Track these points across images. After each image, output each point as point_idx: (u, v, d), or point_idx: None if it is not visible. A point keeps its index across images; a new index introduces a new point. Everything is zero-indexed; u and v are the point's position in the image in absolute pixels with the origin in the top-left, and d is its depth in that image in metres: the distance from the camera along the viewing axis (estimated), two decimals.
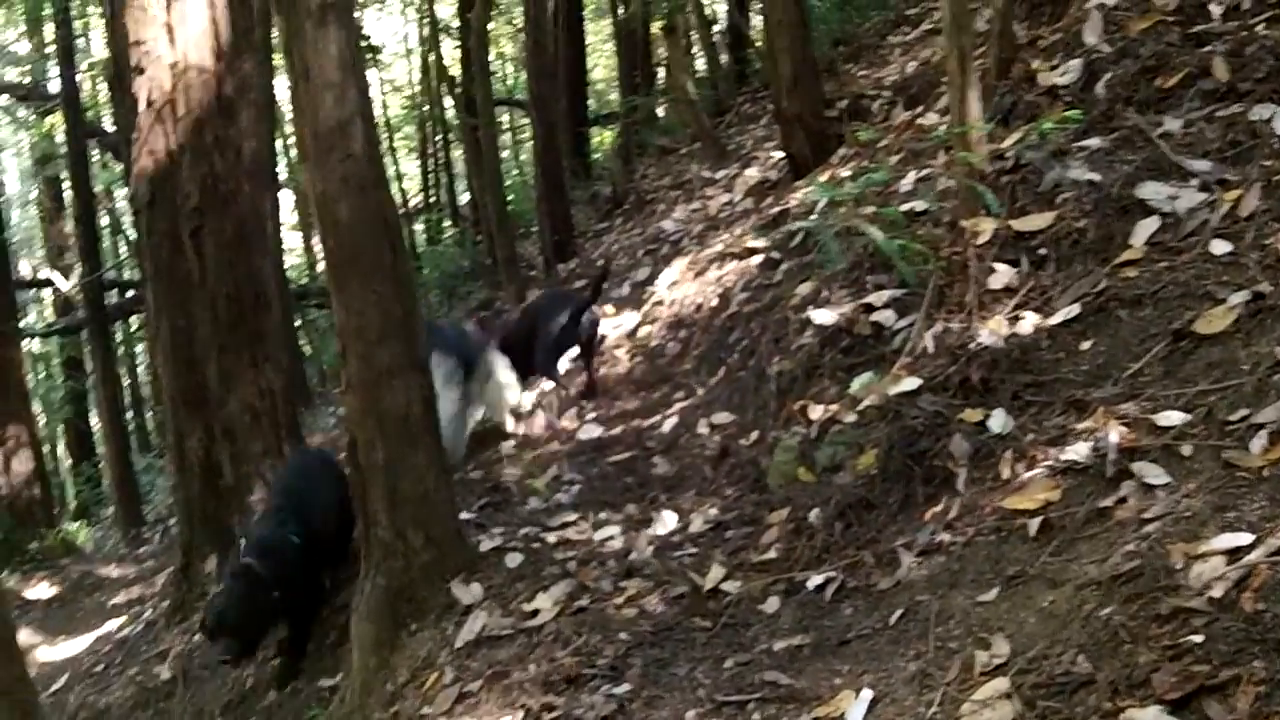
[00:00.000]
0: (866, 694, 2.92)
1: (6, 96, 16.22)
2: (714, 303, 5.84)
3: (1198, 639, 2.41)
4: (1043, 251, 4.01)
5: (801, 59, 6.35)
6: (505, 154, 15.30)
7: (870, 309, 4.40)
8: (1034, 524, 3.07)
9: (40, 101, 15.63)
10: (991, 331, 3.77)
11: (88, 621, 8.70)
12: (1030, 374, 3.59)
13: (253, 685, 5.20)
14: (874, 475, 3.64)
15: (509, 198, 11.53)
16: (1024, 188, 4.28)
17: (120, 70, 6.08)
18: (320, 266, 18.50)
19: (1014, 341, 3.71)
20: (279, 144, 13.84)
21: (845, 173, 5.77)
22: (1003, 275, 3.99)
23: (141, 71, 5.87)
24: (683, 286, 6.30)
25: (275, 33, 6.64)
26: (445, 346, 5.78)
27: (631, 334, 6.38)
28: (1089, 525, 2.97)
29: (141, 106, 5.91)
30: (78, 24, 14.43)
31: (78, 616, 9.05)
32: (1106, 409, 3.24)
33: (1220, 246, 3.55)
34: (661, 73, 14.21)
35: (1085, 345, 3.59)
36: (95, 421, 18.51)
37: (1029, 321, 3.76)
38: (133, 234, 19.29)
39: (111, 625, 7.96)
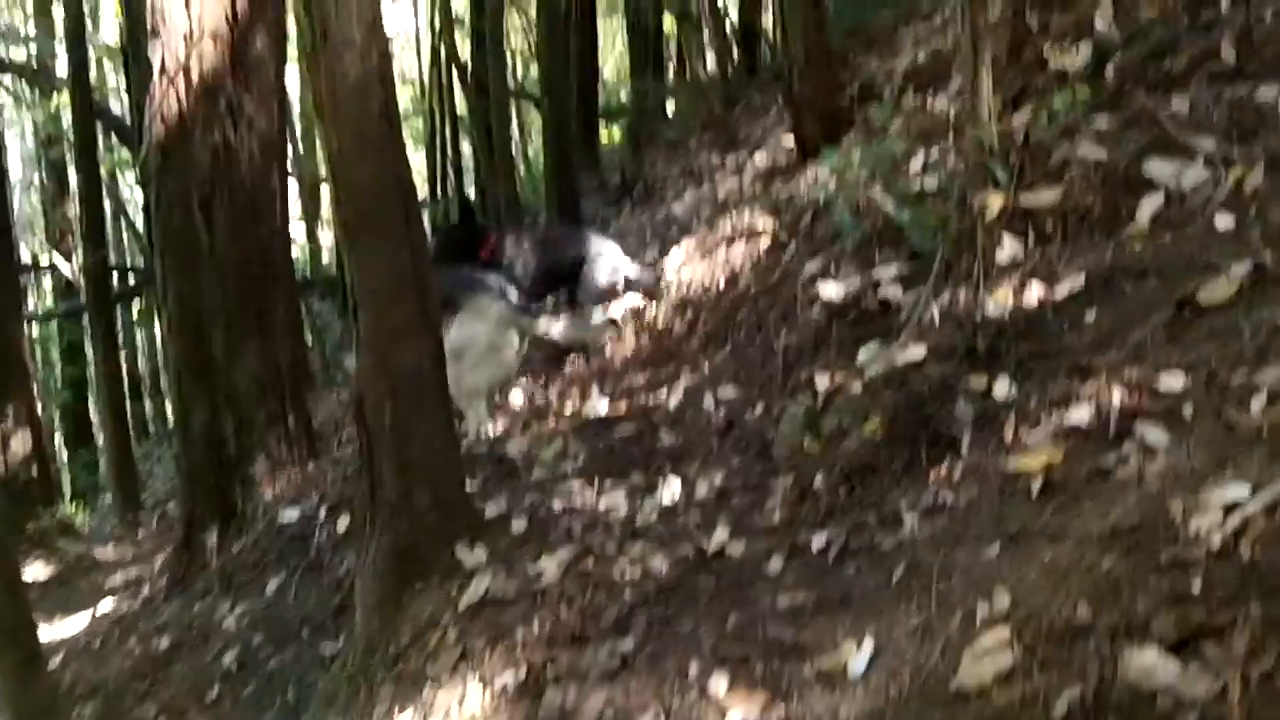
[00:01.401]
0: (868, 646, 2.96)
1: (11, 77, 16.21)
2: (721, 283, 5.88)
3: (1196, 586, 2.45)
4: (1050, 227, 4.05)
5: (814, 42, 6.39)
6: (513, 147, 15.32)
7: (878, 284, 4.43)
8: (1036, 484, 3.10)
9: (47, 83, 15.65)
10: (997, 303, 3.81)
11: (84, 602, 8.70)
12: (1035, 343, 3.63)
13: (255, 651, 5.24)
14: (879, 441, 3.68)
15: (517, 189, 11.56)
16: (1033, 165, 4.31)
17: (134, 38, 6.13)
18: (325, 258, 18.59)
19: (1019, 312, 3.74)
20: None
21: (856, 154, 5.81)
22: (1010, 249, 4.03)
23: (156, 36, 5.93)
24: (690, 267, 6.33)
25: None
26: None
27: (639, 314, 6.41)
28: (1091, 484, 3.00)
29: (156, 72, 5.96)
30: (86, 4, 14.46)
31: (74, 597, 9.04)
32: (1109, 374, 3.27)
33: (1224, 221, 3.58)
34: (671, 66, 14.30)
35: (1090, 316, 3.62)
36: (94, 408, 18.58)
37: (1034, 293, 3.79)
38: (137, 220, 19.49)
39: (109, 605, 7.98)
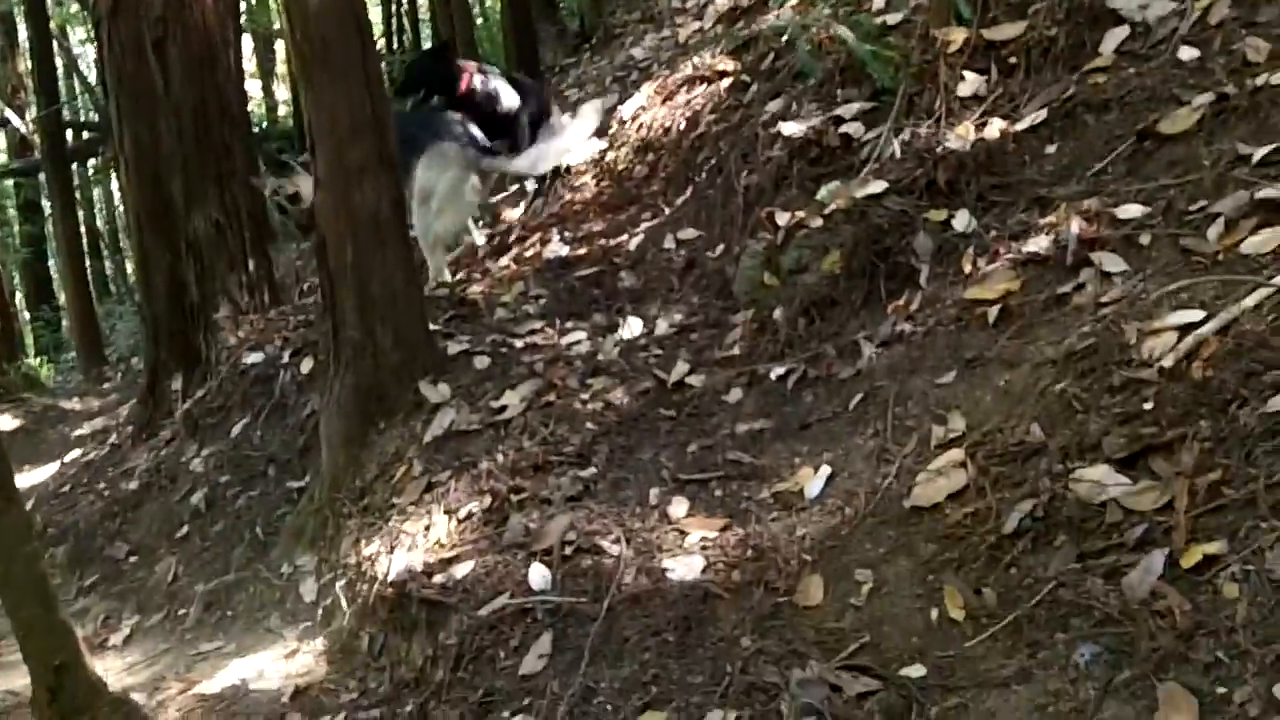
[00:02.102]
0: (825, 469, 3.04)
1: None
2: (682, 125, 5.80)
3: (1147, 405, 2.51)
4: (1013, 60, 4.02)
5: None
6: None
7: (839, 121, 4.40)
8: (993, 312, 3.15)
9: None
10: (959, 136, 3.80)
11: (52, 451, 8.73)
12: (995, 176, 3.64)
13: (222, 490, 5.29)
14: (838, 274, 3.70)
15: (474, 37, 11.30)
16: None
17: None
18: (282, 111, 18.23)
19: (980, 146, 3.73)
20: None
21: None
22: (972, 83, 4.01)
23: None
24: (651, 111, 6.24)
25: None
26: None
27: (599, 159, 6.35)
28: (1047, 311, 3.05)
29: None
30: None
31: (42, 447, 9.08)
32: (1069, 205, 3.29)
33: (1188, 53, 3.56)
34: None
35: (1050, 149, 3.63)
36: (54, 266, 18.34)
37: (996, 127, 3.78)
38: (90, 76, 18.98)
39: (77, 453, 8.01)
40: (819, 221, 3.95)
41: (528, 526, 3.26)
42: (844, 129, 4.38)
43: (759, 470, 3.16)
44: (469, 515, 3.51)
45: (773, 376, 3.53)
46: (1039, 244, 3.23)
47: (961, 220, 3.54)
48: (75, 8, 16.47)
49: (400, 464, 4.03)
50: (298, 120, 14.11)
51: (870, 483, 2.88)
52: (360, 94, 4.08)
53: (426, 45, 15.89)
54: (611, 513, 3.20)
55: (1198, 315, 2.63)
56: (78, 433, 9.66)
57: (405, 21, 16.43)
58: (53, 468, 7.88)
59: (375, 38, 5.49)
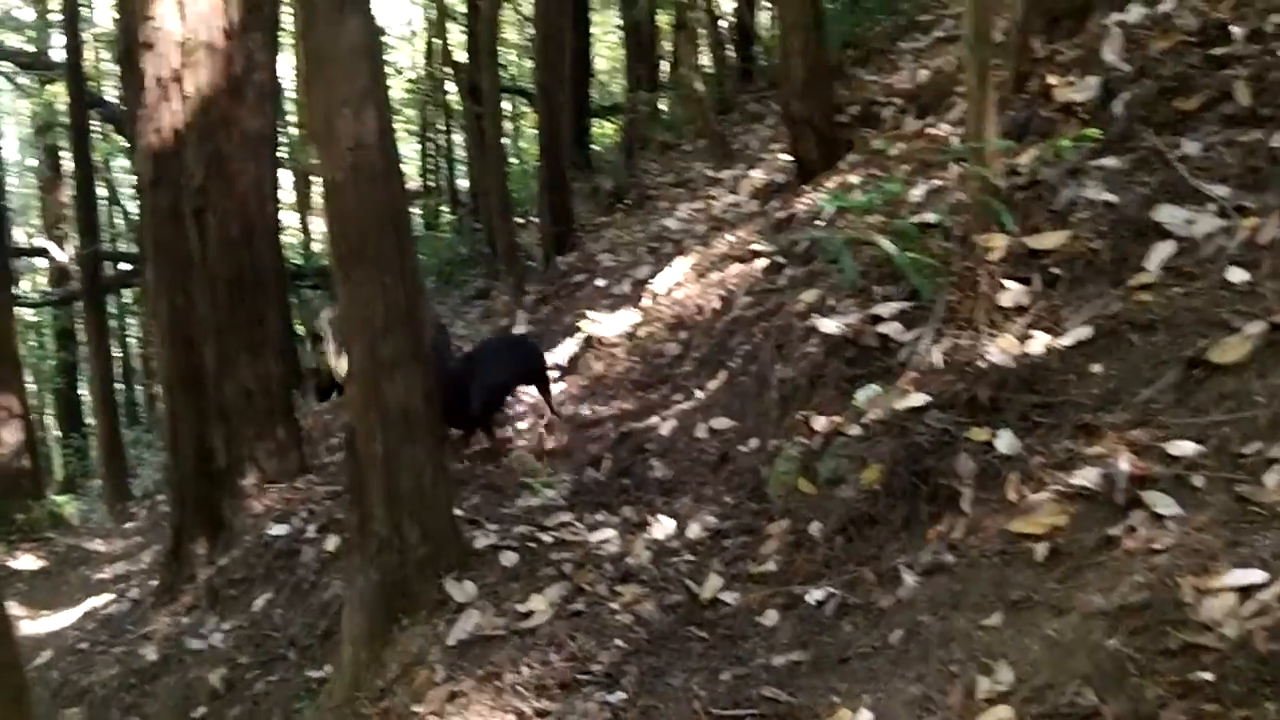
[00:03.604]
0: (866, 715, 2.90)
1: (8, 63, 16.11)
2: (716, 305, 5.81)
3: (1208, 676, 2.39)
4: (1055, 271, 3.98)
5: (814, 62, 6.30)
6: (505, 142, 15.22)
7: (877, 320, 4.35)
8: (1040, 548, 3.04)
9: (43, 70, 15.56)
10: (1001, 349, 3.74)
11: (72, 596, 8.65)
12: (1039, 395, 3.56)
13: (242, 671, 5.17)
14: (877, 490, 3.61)
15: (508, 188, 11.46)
16: (1038, 205, 4.25)
17: (129, 45, 6.02)
18: (316, 246, 18.49)
19: (1023, 361, 3.67)
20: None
21: (854, 179, 5.74)
22: (1014, 293, 3.96)
23: (150, 47, 5.83)
24: (685, 287, 6.26)
25: (283, 10, 6.59)
26: None
27: (630, 333, 6.34)
28: (1097, 553, 2.94)
29: (149, 83, 5.86)
30: None
31: (63, 590, 9.00)
32: (1117, 435, 3.20)
33: (1237, 274, 3.51)
34: (666, 67, 14.20)
35: (1096, 368, 3.55)
36: (85, 393, 18.47)
37: (1039, 341, 3.72)
38: (131, 207, 19.36)
39: (97, 601, 7.91)
40: (857, 430, 3.88)
41: None
42: (881, 328, 4.33)
43: (795, 710, 3.03)
44: None
45: (810, 600, 3.41)
46: (1087, 477, 3.12)
47: (1004, 442, 3.45)
48: (122, 141, 16.86)
49: (422, 667, 3.91)
50: None
51: None
52: (395, 290, 4.07)
53: (461, 185, 16.20)
54: None
55: (1259, 576, 2.51)
56: (99, 576, 9.59)
57: (440, 163, 16.74)
58: (73, 614, 7.79)
59: (413, 229, 5.46)
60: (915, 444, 3.60)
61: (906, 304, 4.35)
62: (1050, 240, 4.05)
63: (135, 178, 19.11)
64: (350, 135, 3.94)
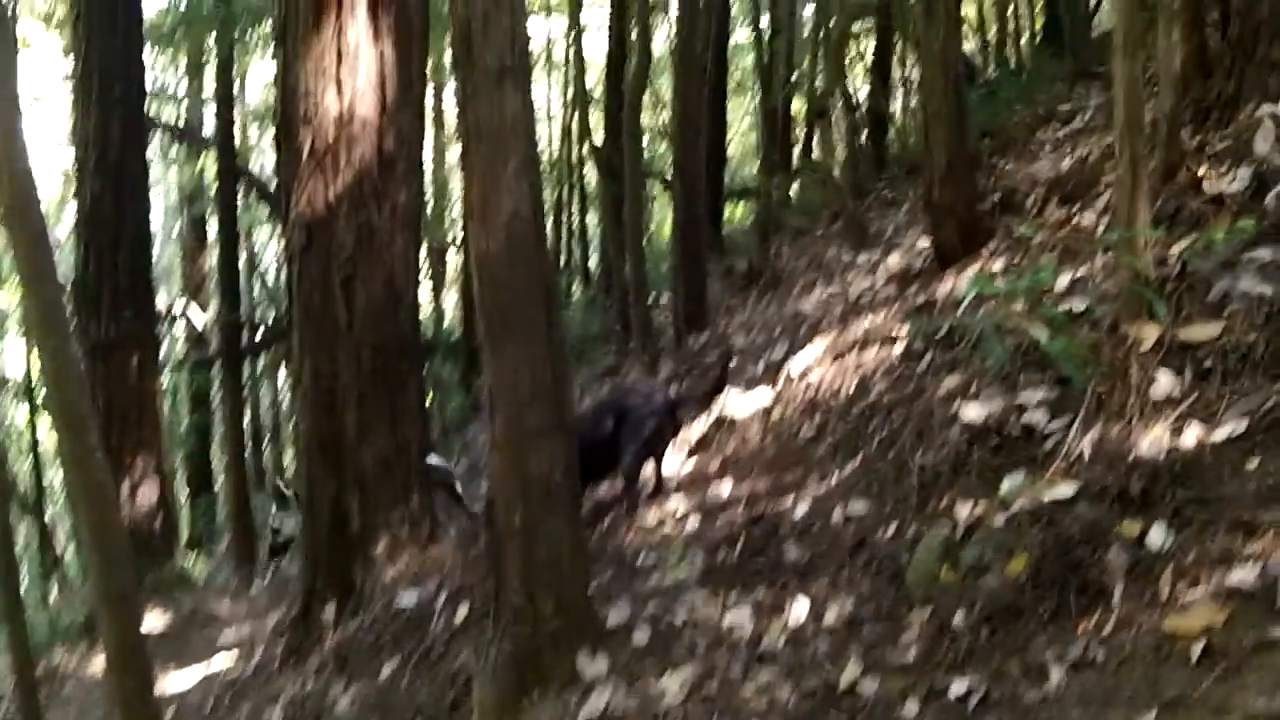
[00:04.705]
0: None
1: (161, 134, 16.88)
2: (852, 388, 5.78)
3: None
4: (1208, 363, 3.90)
5: (956, 150, 6.31)
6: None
7: (1022, 409, 4.30)
8: (1196, 648, 2.95)
9: (193, 142, 16.27)
10: (1153, 442, 3.66)
11: (197, 656, 8.83)
12: (1193, 489, 3.47)
13: None
14: (1024, 581, 3.53)
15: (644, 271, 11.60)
16: (1190, 296, 4.18)
17: (287, 117, 6.27)
18: (447, 320, 18.89)
19: (1176, 454, 3.59)
20: None
21: (996, 266, 5.70)
22: (1166, 384, 3.88)
23: (308, 121, 6.07)
24: (820, 369, 6.24)
25: (430, 90, 6.82)
26: None
27: (765, 413, 6.33)
28: (1256, 655, 2.84)
29: (304, 155, 6.09)
30: (236, 69, 14.99)
31: (187, 651, 9.17)
32: (1276, 533, 3.11)
33: None
34: (797, 151, 14.30)
35: (1252, 464, 3.46)
36: (215, 456, 19.02)
37: (1192, 434, 3.64)
38: (269, 277, 20.04)
39: (221, 663, 8.06)
40: (1001, 520, 3.82)
41: None
42: (1026, 417, 4.28)
43: None
44: None
45: (952, 694, 3.34)
46: (1244, 576, 3.04)
47: (1157, 536, 3.36)
48: (264, 212, 17.52)
49: None
50: (465, 333, 14.63)
51: None
52: (542, 360, 4.14)
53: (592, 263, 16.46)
54: None
55: None
56: (223, 639, 9.79)
57: (573, 242, 17.01)
58: (197, 671, 7.95)
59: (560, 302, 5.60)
60: (1064, 535, 3.53)
61: (1052, 393, 4.29)
62: (1204, 332, 3.97)
63: (274, 248, 19.75)
64: (505, 208, 4.06)
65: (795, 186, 13.71)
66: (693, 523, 5.54)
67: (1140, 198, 4.06)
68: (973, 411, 4.42)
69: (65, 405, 3.39)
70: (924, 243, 7.26)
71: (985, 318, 4.53)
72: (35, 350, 12.91)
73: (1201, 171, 4.86)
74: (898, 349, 5.73)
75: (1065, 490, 3.67)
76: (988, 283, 4.61)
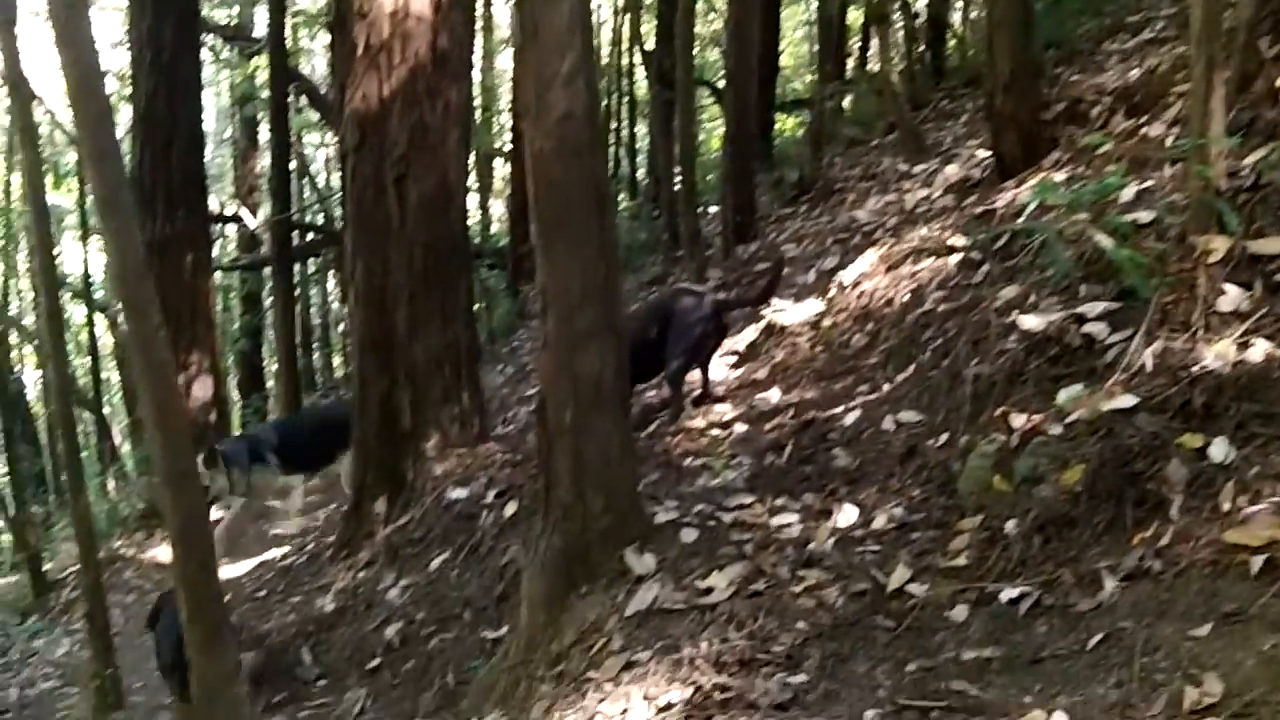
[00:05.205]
0: (1060, 717, 2.81)
1: (213, 36, 16.81)
2: (906, 298, 5.71)
3: None
4: (1279, 278, 3.81)
5: (1021, 58, 6.14)
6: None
7: (1082, 320, 4.22)
8: (1256, 561, 2.91)
9: (245, 43, 16.20)
10: (1218, 355, 3.58)
11: (250, 548, 9.00)
12: (1258, 404, 3.40)
13: (417, 628, 5.30)
14: (1079, 492, 3.50)
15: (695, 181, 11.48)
16: (1262, 208, 4.06)
17: (341, 14, 6.22)
18: (495, 227, 18.87)
19: (1241, 368, 3.52)
20: None
21: (1058, 177, 5.58)
22: (1233, 297, 3.79)
23: (364, 16, 6.01)
24: (873, 279, 6.17)
25: None
26: None
27: (816, 322, 6.28)
28: None
29: (359, 51, 6.05)
30: None
31: (242, 542, 9.35)
32: None
33: None
34: (851, 62, 14.04)
35: None
36: (267, 356, 19.23)
37: (1259, 349, 3.56)
38: (319, 178, 20.06)
39: (274, 553, 8.22)
40: (1058, 429, 3.77)
41: None
42: (1087, 328, 4.20)
43: (985, 706, 2.95)
44: (669, 706, 3.39)
45: (1003, 599, 3.32)
46: None
47: (1219, 450, 3.31)
48: (315, 116, 17.47)
49: (599, 635, 3.94)
50: (512, 241, 14.61)
51: None
52: (594, 261, 4.10)
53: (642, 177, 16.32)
54: None
55: None
56: (275, 531, 9.97)
57: (621, 150, 16.85)
58: (249, 564, 8.11)
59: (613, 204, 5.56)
60: (1122, 447, 3.49)
61: (1114, 304, 4.21)
62: (1275, 245, 3.87)
63: (324, 153, 19.72)
64: (560, 107, 3.99)
65: (848, 98, 13.47)
66: (740, 428, 5.54)
67: (1214, 106, 3.95)
68: (1031, 321, 4.35)
69: (128, 287, 3.40)
70: (983, 153, 7.13)
71: (1048, 226, 4.44)
72: (90, 249, 13.09)
73: (1279, 82, 4.71)
74: (954, 259, 5.64)
75: (1125, 401, 3.62)
76: (1051, 191, 4.51)
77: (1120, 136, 5.59)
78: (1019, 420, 3.95)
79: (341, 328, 20.59)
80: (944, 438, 4.44)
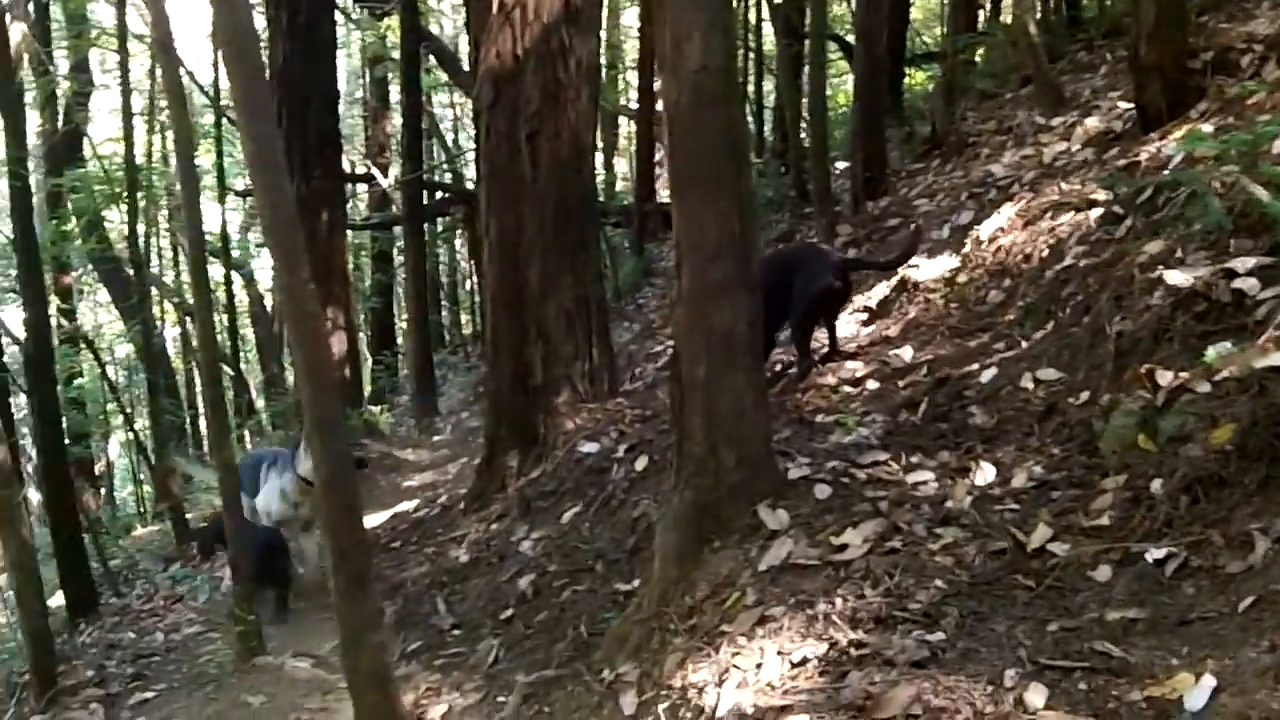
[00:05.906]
0: (1209, 680, 2.74)
1: None
2: (1045, 254, 5.58)
3: None
4: None
5: (1166, 6, 5.93)
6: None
7: (1232, 274, 4.09)
8: None
9: (376, 3, 16.40)
10: None
11: (383, 500, 9.24)
12: None
13: (549, 579, 5.38)
14: (1229, 451, 3.40)
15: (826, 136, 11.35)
16: None
17: None
18: (620, 185, 18.92)
19: None
20: None
21: (1206, 128, 5.39)
22: None
23: None
24: (1010, 234, 6.05)
25: None
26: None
27: (949, 279, 6.18)
28: None
29: (494, 8, 6.10)
30: None
31: (375, 493, 9.60)
32: None
33: None
34: (983, 14, 13.68)
35: None
36: (398, 314, 19.60)
37: None
38: (449, 138, 20.29)
39: (407, 505, 8.42)
40: (1207, 387, 3.67)
41: (868, 690, 3.11)
42: (1237, 283, 4.06)
43: (1130, 667, 2.90)
44: (803, 660, 3.40)
45: (1149, 559, 3.26)
46: None
47: None
48: (443, 76, 17.64)
49: (732, 589, 3.96)
50: (638, 200, 14.63)
51: (1267, 707, 2.59)
52: (729, 214, 4.09)
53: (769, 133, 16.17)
54: (961, 688, 3.01)
55: None
56: (408, 484, 10.22)
57: (748, 106, 16.68)
58: (383, 516, 8.32)
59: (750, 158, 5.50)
60: (1275, 405, 3.37)
61: (1266, 258, 4.06)
62: None
63: (453, 114, 19.89)
64: (697, 59, 3.98)
65: (980, 50, 13.14)
66: (872, 385, 5.49)
67: None
68: (1177, 277, 4.22)
69: (280, 238, 3.50)
70: (1125, 105, 6.92)
71: (1198, 176, 4.30)
72: (227, 209, 13.39)
73: None
74: (1095, 213, 5.50)
75: (1278, 359, 3.50)
76: (1200, 142, 4.36)
77: (1272, 85, 5.38)
78: (1165, 378, 3.85)
79: (469, 286, 20.89)
80: (1085, 396, 4.35)
